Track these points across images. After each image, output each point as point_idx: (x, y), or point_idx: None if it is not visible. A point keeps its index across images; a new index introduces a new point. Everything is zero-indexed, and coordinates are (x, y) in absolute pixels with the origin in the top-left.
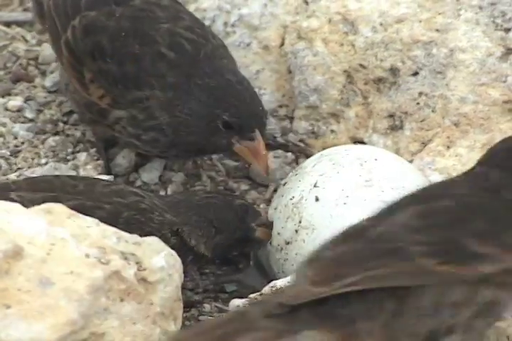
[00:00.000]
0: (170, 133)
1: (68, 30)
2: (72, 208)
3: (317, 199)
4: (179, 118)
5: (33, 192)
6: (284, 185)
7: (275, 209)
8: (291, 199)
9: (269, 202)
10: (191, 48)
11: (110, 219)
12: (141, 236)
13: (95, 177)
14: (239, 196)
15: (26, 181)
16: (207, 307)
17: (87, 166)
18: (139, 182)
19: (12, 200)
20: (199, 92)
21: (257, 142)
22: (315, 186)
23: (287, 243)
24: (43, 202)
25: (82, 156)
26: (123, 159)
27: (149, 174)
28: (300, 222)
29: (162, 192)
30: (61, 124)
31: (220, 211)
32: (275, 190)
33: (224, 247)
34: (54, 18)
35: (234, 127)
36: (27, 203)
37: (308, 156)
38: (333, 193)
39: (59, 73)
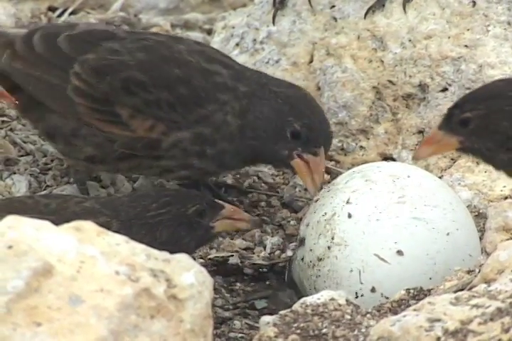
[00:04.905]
0: (237, 137)
1: (72, 79)
2: None
3: (350, 216)
4: (248, 121)
5: (7, 213)
6: (316, 201)
7: (307, 225)
8: (323, 215)
9: (300, 220)
10: (231, 61)
11: None
12: None
13: (69, 195)
14: (192, 194)
15: (4, 202)
16: (237, 324)
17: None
18: None
19: None
20: (274, 99)
21: (320, 158)
22: (347, 202)
23: (319, 259)
24: None
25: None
26: (145, 179)
27: None
28: (333, 238)
29: None
30: None
31: (171, 229)
32: None
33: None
34: (40, 77)
35: (301, 138)
36: None
37: (329, 174)
38: (366, 210)
39: (46, 125)
